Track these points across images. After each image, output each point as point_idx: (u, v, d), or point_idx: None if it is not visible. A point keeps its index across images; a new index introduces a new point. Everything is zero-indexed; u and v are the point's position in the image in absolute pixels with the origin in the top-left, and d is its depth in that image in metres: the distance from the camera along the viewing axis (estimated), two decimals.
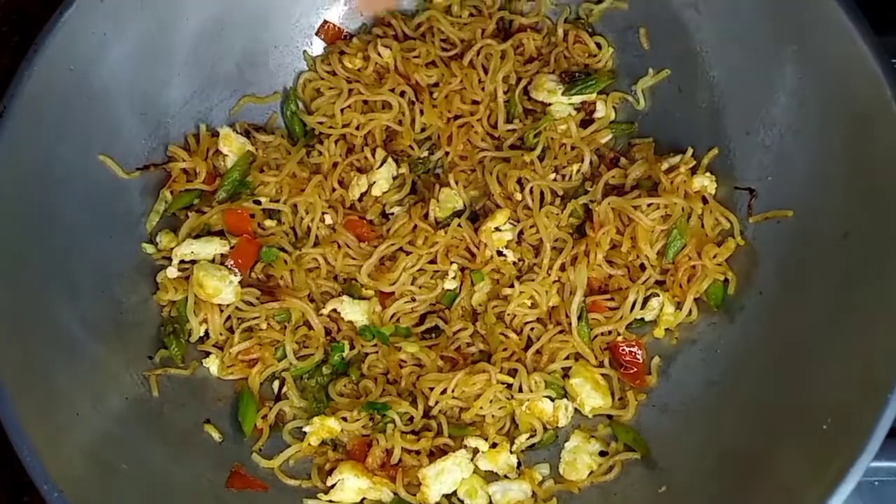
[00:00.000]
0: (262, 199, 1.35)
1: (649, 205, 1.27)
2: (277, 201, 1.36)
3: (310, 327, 1.30)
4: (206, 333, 1.30)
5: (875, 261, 1.07)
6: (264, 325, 1.30)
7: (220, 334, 1.30)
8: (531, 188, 1.34)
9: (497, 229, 1.31)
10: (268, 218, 1.36)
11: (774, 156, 1.23)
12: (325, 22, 1.45)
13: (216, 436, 1.23)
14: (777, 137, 1.22)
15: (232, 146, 1.36)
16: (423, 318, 1.34)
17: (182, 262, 1.29)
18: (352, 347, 1.32)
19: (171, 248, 1.29)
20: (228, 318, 1.30)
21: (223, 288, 1.27)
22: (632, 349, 1.28)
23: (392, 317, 1.32)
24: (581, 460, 1.22)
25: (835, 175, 1.14)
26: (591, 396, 1.25)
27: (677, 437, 1.20)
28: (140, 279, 1.29)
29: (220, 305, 1.29)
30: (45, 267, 1.15)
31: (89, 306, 1.20)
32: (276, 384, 1.30)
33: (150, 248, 1.31)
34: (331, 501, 1.19)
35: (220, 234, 1.33)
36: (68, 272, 1.18)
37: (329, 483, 1.20)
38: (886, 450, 0.98)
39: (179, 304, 1.29)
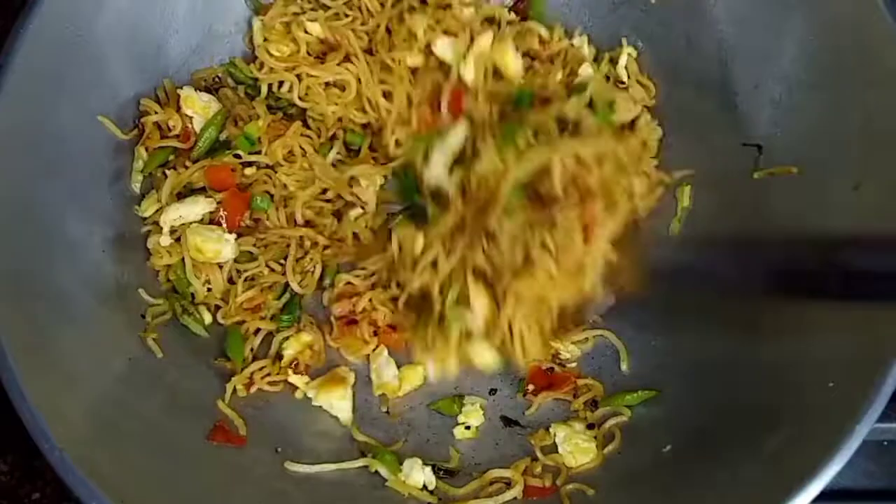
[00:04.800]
0: (242, 154, 1.32)
1: None
2: (258, 153, 1.32)
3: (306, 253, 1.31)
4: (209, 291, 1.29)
5: (886, 217, 1.05)
6: (266, 272, 1.30)
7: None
8: None
9: None
10: (247, 167, 1.33)
11: (783, 110, 1.20)
12: None
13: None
14: (786, 91, 1.20)
15: (195, 107, 1.31)
16: None
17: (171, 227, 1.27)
18: None
19: (156, 211, 1.27)
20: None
21: (223, 249, 1.26)
22: None
23: None
24: (577, 445, 1.19)
25: (845, 129, 1.12)
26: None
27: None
28: (140, 240, 1.28)
29: (218, 263, 1.28)
30: (45, 228, 1.14)
31: (90, 267, 1.19)
32: None
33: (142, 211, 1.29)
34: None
35: (202, 190, 1.31)
36: (68, 233, 1.17)
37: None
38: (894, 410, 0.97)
39: (176, 267, 1.27)
